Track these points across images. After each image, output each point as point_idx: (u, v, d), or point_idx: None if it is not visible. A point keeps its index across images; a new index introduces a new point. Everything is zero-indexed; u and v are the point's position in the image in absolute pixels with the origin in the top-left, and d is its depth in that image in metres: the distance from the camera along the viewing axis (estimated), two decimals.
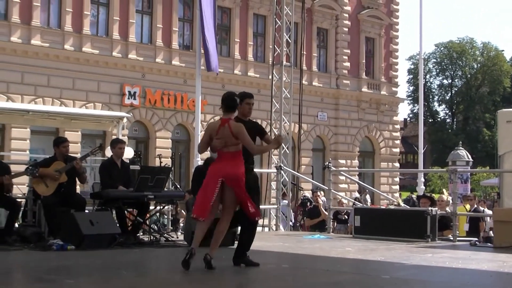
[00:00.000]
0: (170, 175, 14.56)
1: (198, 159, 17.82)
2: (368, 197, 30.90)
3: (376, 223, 14.40)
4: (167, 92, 32.46)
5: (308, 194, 23.82)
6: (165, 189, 13.44)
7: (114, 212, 12.43)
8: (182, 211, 16.25)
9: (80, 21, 30.07)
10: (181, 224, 16.35)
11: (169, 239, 12.81)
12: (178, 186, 15.71)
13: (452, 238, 13.88)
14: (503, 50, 77.70)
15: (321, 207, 18.82)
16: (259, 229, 19.32)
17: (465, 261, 10.23)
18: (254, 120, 9.86)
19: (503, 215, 12.64)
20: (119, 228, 11.93)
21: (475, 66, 76.45)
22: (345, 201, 20.04)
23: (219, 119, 9.03)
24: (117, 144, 12.87)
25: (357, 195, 29.82)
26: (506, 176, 13.62)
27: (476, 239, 14.25)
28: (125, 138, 22.69)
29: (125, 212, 12.59)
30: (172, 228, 15.14)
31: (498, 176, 14.25)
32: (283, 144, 8.25)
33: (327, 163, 16.67)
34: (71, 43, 29.81)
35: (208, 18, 17.45)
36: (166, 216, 16.20)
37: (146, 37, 32.80)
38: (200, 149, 9.37)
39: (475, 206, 16.65)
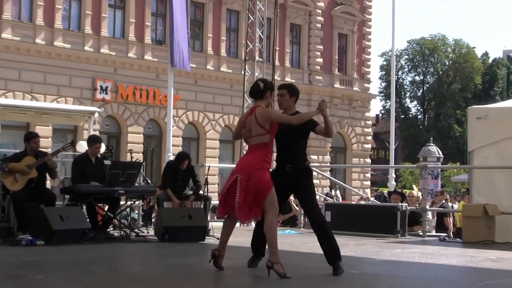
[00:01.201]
0: (141, 170, 14.53)
1: (170, 154, 17.82)
2: (338, 192, 31.02)
3: (346, 219, 14.48)
4: (139, 87, 32.36)
5: None
6: (136, 184, 13.41)
7: (84, 207, 12.38)
8: None
9: (52, 15, 29.88)
10: (153, 220, 16.32)
11: (140, 234, 12.79)
12: (150, 181, 15.66)
13: (421, 234, 13.99)
14: (474, 47, 78.15)
15: (293, 202, 18.86)
16: None
17: (434, 256, 10.32)
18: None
19: (472, 211, 12.78)
20: (89, 223, 11.90)
21: (447, 63, 76.90)
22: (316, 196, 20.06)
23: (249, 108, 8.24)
24: (94, 143, 12.85)
25: (328, 190, 29.94)
26: (475, 172, 13.73)
27: (445, 234, 14.40)
28: (97, 133, 22.61)
29: (96, 207, 12.55)
30: (143, 223, 15.11)
31: (468, 172, 14.37)
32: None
33: None
34: (42, 37, 29.63)
35: (179, 14, 17.40)
36: (137, 212, 16.16)
37: (118, 31, 32.68)
38: (233, 136, 8.66)
39: (443, 201, 16.80)
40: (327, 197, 19.59)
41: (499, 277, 8.24)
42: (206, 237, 12.44)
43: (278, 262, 7.59)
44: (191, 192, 13.92)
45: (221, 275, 8.27)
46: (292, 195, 9.14)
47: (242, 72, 22.30)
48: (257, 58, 21.45)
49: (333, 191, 29.67)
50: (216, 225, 14.68)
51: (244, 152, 20.71)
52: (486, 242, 12.28)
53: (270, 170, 7.97)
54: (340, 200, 27.61)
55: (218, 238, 12.35)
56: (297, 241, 12.74)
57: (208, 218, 14.12)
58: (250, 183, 7.67)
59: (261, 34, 21.38)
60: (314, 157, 39.71)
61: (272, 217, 7.76)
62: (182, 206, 13.40)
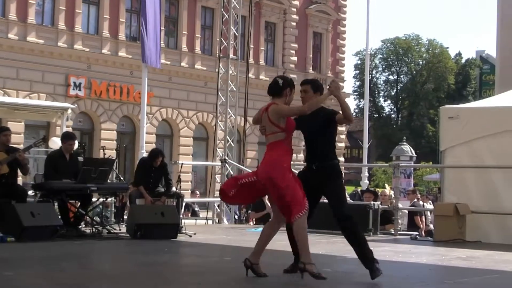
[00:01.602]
0: (114, 167, 14.48)
1: (143, 151, 17.75)
2: None
3: (319, 216, 14.44)
4: (113, 84, 32.21)
5: None
6: (109, 181, 13.37)
7: (56, 204, 12.31)
8: None
9: (25, 10, 29.65)
10: (125, 217, 16.26)
11: (112, 231, 12.74)
12: (122, 178, 15.60)
13: (393, 232, 14.06)
14: (448, 48, 78.70)
15: (266, 200, 18.87)
16: (202, 222, 19.45)
17: (406, 255, 10.38)
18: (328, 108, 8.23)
19: (444, 209, 12.86)
20: (60, 220, 11.85)
21: (421, 62, 77.35)
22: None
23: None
24: (67, 141, 12.83)
25: None
26: (447, 171, 13.82)
27: (417, 233, 14.48)
28: (70, 129, 22.47)
29: (67, 204, 12.48)
30: (115, 220, 15.04)
31: (440, 171, 14.45)
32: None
33: None
34: (15, 32, 29.39)
35: (152, 10, 17.32)
36: (109, 209, 16.08)
37: (92, 27, 32.50)
38: (253, 120, 8.06)
39: (414, 200, 16.88)
40: None
41: (468, 275, 8.31)
42: (178, 234, 12.41)
43: (311, 262, 7.27)
44: (163, 189, 13.86)
45: (192, 272, 8.26)
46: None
47: (217, 70, 22.26)
48: (231, 55, 21.41)
49: None
50: (188, 223, 14.73)
51: (218, 149, 20.74)
52: (457, 240, 12.36)
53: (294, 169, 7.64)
54: None
55: (190, 236, 12.42)
56: None
57: (181, 216, 14.11)
58: (270, 183, 7.29)
59: (235, 32, 21.34)
60: None
61: (273, 224, 7.62)
62: (154, 203, 13.35)
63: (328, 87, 7.51)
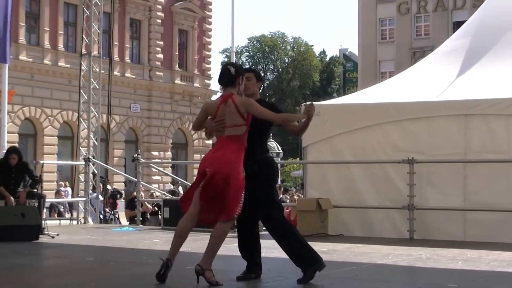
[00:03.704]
0: None
1: (4, 152, 17.21)
2: (180, 189, 31.05)
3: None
4: None
5: (121, 186, 23.58)
6: None
7: None
8: None
9: None
10: None
11: None
12: None
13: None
14: (312, 45, 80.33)
15: (143, 198, 18.78)
16: (66, 222, 19.09)
17: (268, 250, 10.45)
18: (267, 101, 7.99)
19: (306, 204, 13.09)
20: None
21: (287, 60, 78.52)
22: (158, 193, 20.07)
23: (219, 96, 7.23)
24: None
25: (171, 187, 29.92)
26: (309, 167, 14.08)
27: None
28: None
29: None
30: None
31: (303, 167, 14.72)
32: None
33: (135, 155, 16.61)
34: None
35: (1, 4, 16.64)
36: None
37: None
38: (193, 127, 7.56)
39: (280, 196, 17.15)
40: (166, 194, 19.54)
41: (328, 268, 8.45)
42: (40, 236, 12.11)
43: (209, 268, 6.90)
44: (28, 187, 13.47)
45: (52, 274, 8.09)
46: None
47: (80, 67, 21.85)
48: (95, 53, 21.08)
49: (175, 187, 29.67)
50: (50, 224, 14.39)
51: (82, 148, 20.36)
52: (320, 235, 12.61)
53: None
54: None
55: (53, 237, 12.14)
56: (134, 238, 12.67)
57: (44, 216, 13.80)
58: (224, 180, 6.74)
59: (97, 29, 21.02)
60: (155, 153, 39.61)
61: (229, 224, 7.02)
62: (16, 198, 12.95)
63: (306, 110, 7.13)
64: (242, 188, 6.84)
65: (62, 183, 31.04)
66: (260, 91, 7.75)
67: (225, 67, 7.12)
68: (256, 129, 7.13)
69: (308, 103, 7.28)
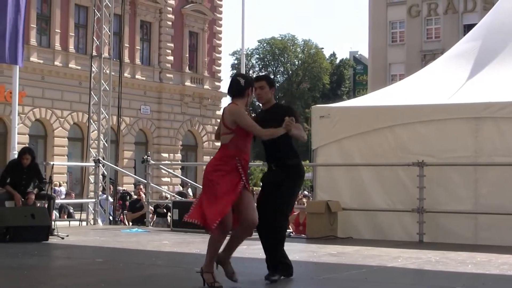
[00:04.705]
0: None
1: (15, 152, 17.24)
2: (190, 190, 31.07)
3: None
4: None
5: (131, 187, 23.62)
6: None
7: None
8: None
9: None
10: None
11: None
12: None
13: None
14: (322, 48, 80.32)
15: (144, 200, 18.76)
16: (75, 223, 19.13)
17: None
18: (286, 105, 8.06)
19: (316, 207, 13.07)
20: None
21: (297, 62, 78.51)
22: (168, 195, 20.08)
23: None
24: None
25: (180, 188, 29.94)
26: (319, 169, 14.05)
27: (290, 230, 14.64)
28: None
29: None
30: None
31: (312, 169, 14.69)
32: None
33: (145, 156, 16.63)
34: None
35: (12, 6, 16.67)
36: None
37: None
38: (215, 136, 7.51)
39: None
40: (176, 195, 19.55)
41: (337, 271, 8.48)
42: (50, 236, 12.13)
43: (208, 271, 6.97)
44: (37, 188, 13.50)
45: (61, 274, 8.10)
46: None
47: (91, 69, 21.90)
48: (106, 55, 21.12)
49: (184, 189, 29.69)
50: (60, 225, 14.44)
51: (92, 150, 20.39)
52: (329, 237, 12.60)
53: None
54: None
55: (62, 238, 12.17)
56: (143, 239, 12.67)
57: (53, 217, 13.81)
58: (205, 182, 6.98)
59: (108, 31, 21.06)
60: (165, 155, 39.64)
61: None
62: (25, 199, 12.97)
63: (285, 125, 7.05)
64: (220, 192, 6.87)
65: (57, 182, 30.97)
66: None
67: (235, 78, 7.14)
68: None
69: (286, 120, 7.06)
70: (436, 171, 12.50)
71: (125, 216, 20.72)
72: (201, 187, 7.36)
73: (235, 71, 75.59)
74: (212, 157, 7.30)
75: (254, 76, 7.16)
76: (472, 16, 46.90)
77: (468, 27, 37.83)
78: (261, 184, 7.82)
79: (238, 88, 7.04)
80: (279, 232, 7.52)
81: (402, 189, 12.79)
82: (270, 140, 7.31)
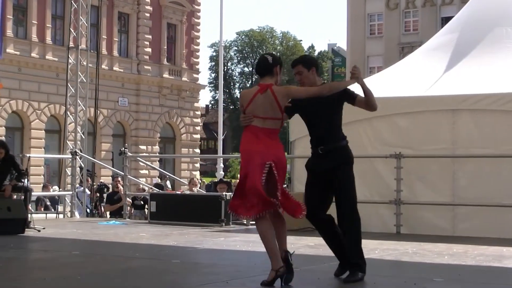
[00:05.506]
0: None
1: None
2: (168, 183, 31.04)
3: (172, 209, 14.53)
4: None
5: (108, 180, 23.48)
6: None
7: None
8: None
9: None
10: None
11: None
12: None
13: (245, 222, 14.19)
14: (301, 40, 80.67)
15: (122, 192, 18.69)
16: (52, 216, 19.03)
17: (256, 244, 10.43)
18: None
19: None
20: None
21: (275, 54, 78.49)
22: (146, 187, 20.02)
23: (256, 84, 6.82)
24: None
25: (158, 181, 29.87)
26: (296, 161, 14.05)
27: None
28: None
29: None
30: None
31: (290, 161, 14.69)
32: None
33: (122, 148, 16.57)
34: None
35: None
36: None
37: None
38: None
39: None
40: (153, 187, 19.49)
41: (315, 262, 8.50)
42: (26, 229, 12.06)
43: (274, 269, 6.78)
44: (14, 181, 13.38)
45: (38, 267, 8.05)
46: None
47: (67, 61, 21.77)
48: (83, 46, 21.00)
49: (163, 181, 29.64)
50: (38, 217, 14.36)
51: (69, 142, 20.25)
52: (306, 229, 12.58)
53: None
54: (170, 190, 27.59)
55: (39, 230, 12.08)
56: (121, 231, 12.62)
57: (30, 210, 13.72)
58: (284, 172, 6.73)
59: (85, 22, 20.92)
60: (143, 147, 39.54)
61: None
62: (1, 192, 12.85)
63: (351, 72, 6.69)
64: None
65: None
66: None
67: (263, 56, 6.86)
68: (329, 111, 6.77)
69: (352, 66, 6.77)
70: (414, 163, 12.53)
71: (103, 208, 20.64)
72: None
73: (214, 63, 75.57)
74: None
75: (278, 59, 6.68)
76: (450, 8, 47.10)
77: (446, 20, 37.87)
78: (309, 172, 7.27)
79: (266, 65, 6.70)
80: (360, 225, 7.13)
81: (380, 181, 12.81)
82: (319, 120, 6.85)
